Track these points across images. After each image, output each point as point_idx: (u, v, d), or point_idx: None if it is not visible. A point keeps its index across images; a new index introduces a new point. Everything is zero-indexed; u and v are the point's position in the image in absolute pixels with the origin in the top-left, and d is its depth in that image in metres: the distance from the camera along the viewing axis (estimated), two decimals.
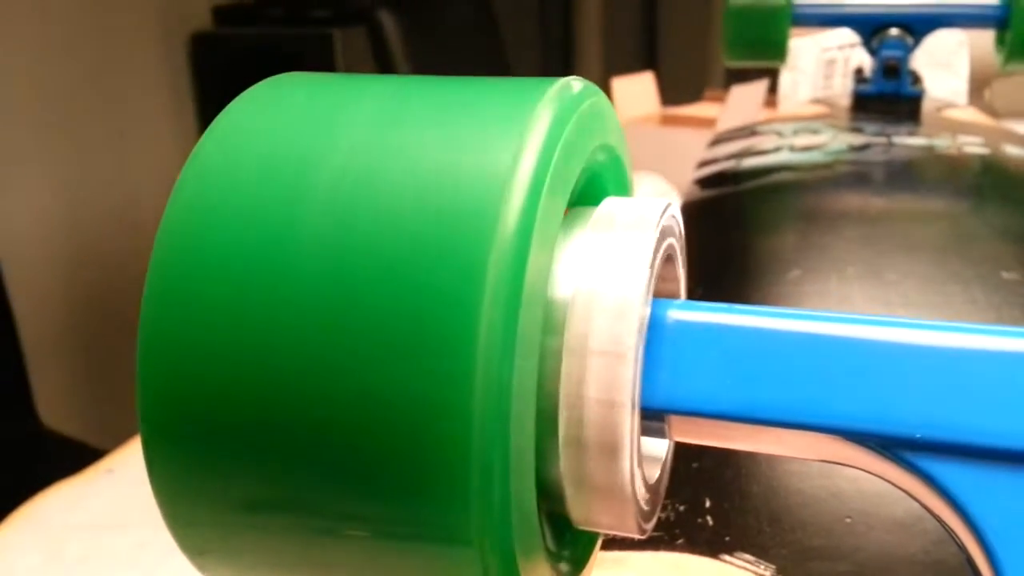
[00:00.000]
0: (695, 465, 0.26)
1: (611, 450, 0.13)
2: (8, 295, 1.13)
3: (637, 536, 0.14)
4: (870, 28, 0.70)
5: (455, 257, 0.12)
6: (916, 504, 0.13)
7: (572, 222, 0.14)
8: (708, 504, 0.25)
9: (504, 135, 0.13)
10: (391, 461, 0.13)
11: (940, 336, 0.13)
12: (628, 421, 0.13)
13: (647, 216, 0.14)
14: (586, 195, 0.15)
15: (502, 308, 0.12)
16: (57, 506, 0.45)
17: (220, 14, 1.59)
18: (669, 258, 0.15)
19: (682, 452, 0.28)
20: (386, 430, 0.12)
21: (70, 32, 1.38)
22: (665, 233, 0.14)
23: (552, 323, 0.14)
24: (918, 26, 0.68)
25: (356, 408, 0.13)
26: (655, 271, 0.14)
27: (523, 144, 0.13)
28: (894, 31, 0.69)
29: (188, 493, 0.14)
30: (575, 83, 0.14)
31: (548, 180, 0.13)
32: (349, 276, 0.13)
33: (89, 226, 1.43)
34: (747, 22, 0.69)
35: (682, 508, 0.25)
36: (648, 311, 0.14)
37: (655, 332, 0.14)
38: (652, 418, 0.14)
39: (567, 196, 0.14)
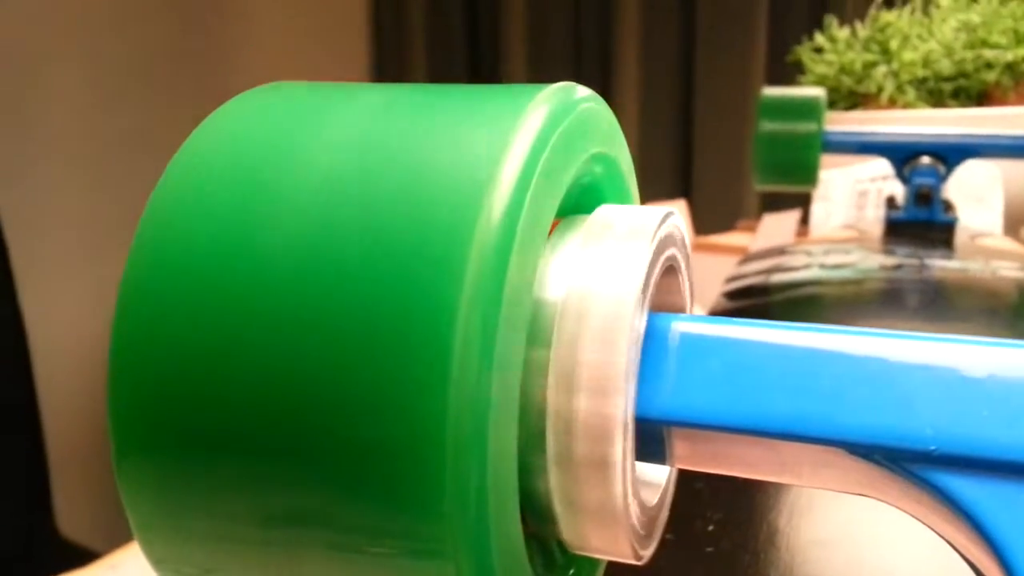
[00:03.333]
0: (710, 549, 0.25)
1: (602, 464, 0.13)
2: (39, 407, 1.13)
3: (634, 562, 0.13)
4: (902, 156, 0.70)
5: (433, 251, 0.12)
6: None
7: (564, 230, 0.14)
8: None
9: (493, 130, 0.13)
10: (363, 471, 0.12)
11: (955, 349, 0.12)
12: (620, 433, 0.12)
13: (644, 222, 0.13)
14: (582, 207, 0.15)
15: (480, 306, 0.11)
16: None
17: None
18: (671, 269, 0.15)
19: (696, 537, 0.26)
20: (359, 437, 0.12)
21: (114, 140, 1.42)
22: (666, 242, 0.14)
23: (539, 333, 0.13)
24: (950, 155, 0.69)
25: (328, 415, 0.12)
26: (653, 279, 0.13)
27: (511, 138, 0.12)
28: (926, 159, 0.69)
29: (159, 505, 0.13)
30: (574, 87, 0.14)
31: (536, 174, 0.12)
32: (324, 276, 0.12)
33: None
34: (778, 147, 0.70)
35: None
36: (644, 319, 0.13)
37: (656, 344, 0.13)
38: (650, 434, 0.13)
39: (558, 196, 0.13)
